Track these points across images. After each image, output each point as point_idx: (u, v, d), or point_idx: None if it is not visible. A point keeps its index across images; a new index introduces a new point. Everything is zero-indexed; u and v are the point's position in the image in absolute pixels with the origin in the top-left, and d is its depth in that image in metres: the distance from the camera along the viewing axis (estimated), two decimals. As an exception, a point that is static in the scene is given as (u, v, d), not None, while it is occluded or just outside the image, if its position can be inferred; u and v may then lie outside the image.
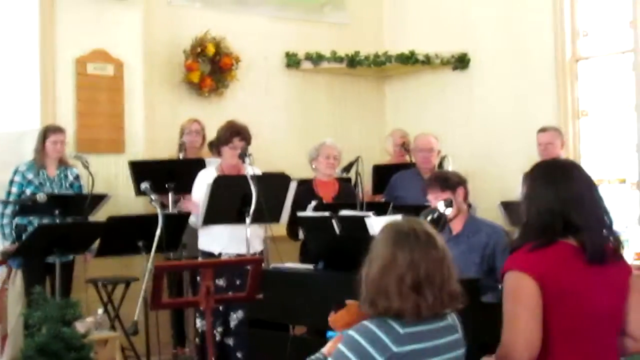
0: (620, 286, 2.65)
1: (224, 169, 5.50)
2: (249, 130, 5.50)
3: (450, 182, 4.54)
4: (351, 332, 2.43)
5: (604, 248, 2.58)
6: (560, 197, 2.57)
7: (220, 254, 5.38)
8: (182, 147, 6.31)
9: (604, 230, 2.61)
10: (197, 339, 5.45)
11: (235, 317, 5.30)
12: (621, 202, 6.52)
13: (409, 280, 2.41)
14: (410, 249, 2.43)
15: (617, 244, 2.66)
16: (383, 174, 6.58)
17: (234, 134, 5.42)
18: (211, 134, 6.16)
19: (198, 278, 5.24)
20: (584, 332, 2.55)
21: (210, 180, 5.20)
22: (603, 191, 6.35)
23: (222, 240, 5.38)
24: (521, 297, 2.52)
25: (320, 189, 5.93)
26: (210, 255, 5.40)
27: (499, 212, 6.25)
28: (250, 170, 5.12)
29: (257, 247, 5.39)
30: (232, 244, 5.35)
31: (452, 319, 2.57)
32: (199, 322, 5.36)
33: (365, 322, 2.44)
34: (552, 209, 2.57)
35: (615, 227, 2.67)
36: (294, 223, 5.41)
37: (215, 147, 5.60)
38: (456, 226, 4.55)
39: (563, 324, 2.53)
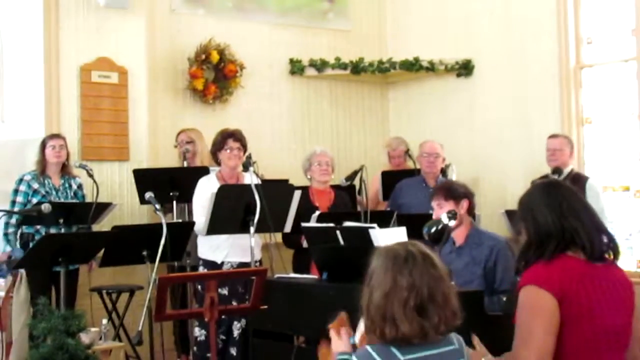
0: (629, 303, 2.68)
1: (223, 175, 5.52)
2: (242, 134, 5.54)
3: (454, 192, 4.54)
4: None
5: (602, 247, 2.64)
6: (554, 207, 2.65)
7: (222, 263, 5.40)
8: (185, 155, 6.32)
9: (601, 234, 2.67)
10: (195, 348, 5.42)
11: (239, 326, 5.32)
12: (625, 210, 6.51)
13: (412, 303, 2.40)
14: (409, 271, 2.43)
15: (615, 248, 2.70)
16: (389, 181, 6.59)
17: (227, 136, 5.48)
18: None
19: (199, 286, 5.28)
20: (595, 348, 2.58)
21: (212, 188, 5.22)
22: (605, 199, 6.38)
23: (225, 249, 5.40)
24: (539, 312, 2.54)
25: (317, 197, 5.96)
26: (212, 263, 5.42)
27: (502, 219, 6.25)
28: (252, 179, 5.11)
29: (257, 255, 5.40)
30: (234, 253, 5.38)
31: (458, 342, 2.55)
32: (197, 331, 5.35)
33: (368, 349, 2.44)
34: (549, 219, 2.64)
35: (610, 232, 2.75)
36: (292, 232, 5.41)
37: (214, 155, 5.61)
38: (459, 237, 4.54)
39: (576, 340, 2.56)
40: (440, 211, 4.46)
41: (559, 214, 2.64)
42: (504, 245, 4.53)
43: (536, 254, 2.64)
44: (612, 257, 2.70)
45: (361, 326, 2.63)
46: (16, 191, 5.79)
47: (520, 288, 2.62)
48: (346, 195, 6.12)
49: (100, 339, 4.84)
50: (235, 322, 5.33)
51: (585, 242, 2.61)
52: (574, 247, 2.62)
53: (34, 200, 5.73)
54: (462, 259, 4.40)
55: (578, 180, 5.83)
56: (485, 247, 4.45)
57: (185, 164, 6.31)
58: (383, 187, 6.73)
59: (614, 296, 2.62)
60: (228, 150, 5.45)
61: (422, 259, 2.47)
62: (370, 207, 6.40)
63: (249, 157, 5.37)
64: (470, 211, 4.59)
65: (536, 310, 2.54)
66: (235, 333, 5.33)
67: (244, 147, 5.49)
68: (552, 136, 6.28)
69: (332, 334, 2.69)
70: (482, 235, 4.58)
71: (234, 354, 5.31)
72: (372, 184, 6.86)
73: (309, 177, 6.09)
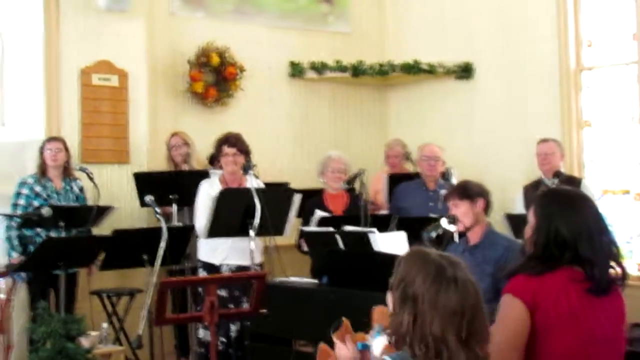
0: (618, 313, 2.68)
1: (225, 179, 5.54)
2: (241, 139, 5.53)
3: (469, 192, 4.51)
4: None
5: (608, 281, 2.62)
6: (571, 229, 2.60)
7: (221, 266, 5.41)
8: (185, 158, 6.32)
9: (611, 262, 2.64)
10: (201, 349, 5.45)
11: (235, 330, 5.33)
12: (624, 213, 6.51)
13: (463, 333, 2.20)
14: (462, 298, 2.21)
15: (624, 274, 2.68)
16: (394, 183, 6.58)
17: (222, 142, 5.50)
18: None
19: (200, 288, 5.29)
20: (584, 356, 2.59)
21: (213, 191, 5.23)
22: (606, 208, 6.37)
23: (223, 252, 5.41)
24: (506, 321, 2.57)
25: (331, 202, 5.94)
26: (210, 266, 5.44)
27: (502, 223, 6.24)
28: (252, 183, 5.13)
29: (258, 259, 5.40)
30: (233, 256, 5.39)
31: None
32: (202, 333, 5.39)
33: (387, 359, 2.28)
34: (565, 240, 2.59)
35: (622, 258, 2.73)
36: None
37: (216, 160, 5.65)
38: (474, 237, 4.51)
39: (564, 348, 2.56)
40: (456, 210, 4.46)
41: (576, 236, 2.58)
42: (519, 248, 4.49)
43: (533, 267, 2.63)
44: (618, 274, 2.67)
45: (382, 339, 2.58)
46: (18, 194, 5.74)
47: (503, 294, 2.65)
48: (363, 199, 6.08)
49: (100, 342, 4.84)
50: (232, 325, 5.34)
51: (594, 276, 2.56)
52: (577, 265, 2.59)
53: (36, 203, 5.70)
54: (474, 258, 4.33)
55: (572, 182, 5.87)
56: (500, 246, 4.42)
57: (187, 167, 6.32)
58: (389, 190, 6.70)
59: (604, 304, 2.61)
60: (224, 157, 5.46)
61: (462, 284, 2.23)
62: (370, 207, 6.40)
63: (249, 161, 5.39)
64: (487, 210, 4.56)
65: (505, 318, 2.58)
66: (233, 336, 5.35)
67: (241, 151, 5.47)
68: (543, 140, 6.31)
69: (337, 341, 2.66)
70: (497, 236, 4.56)
71: (233, 355, 5.33)
72: (373, 184, 6.85)
73: (323, 181, 6.06)
